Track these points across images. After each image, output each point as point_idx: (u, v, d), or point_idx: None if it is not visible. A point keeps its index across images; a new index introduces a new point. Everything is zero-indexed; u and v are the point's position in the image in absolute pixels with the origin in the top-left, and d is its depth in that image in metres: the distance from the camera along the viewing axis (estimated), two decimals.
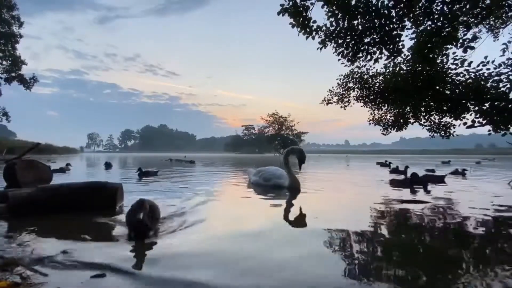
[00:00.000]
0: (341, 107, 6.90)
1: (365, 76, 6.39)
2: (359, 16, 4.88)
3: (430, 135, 6.37)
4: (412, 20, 4.97)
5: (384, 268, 1.70)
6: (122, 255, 1.83)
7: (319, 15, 5.02)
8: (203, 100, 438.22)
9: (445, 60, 5.53)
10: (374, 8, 4.79)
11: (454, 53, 5.33)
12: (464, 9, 4.82)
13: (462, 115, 5.56)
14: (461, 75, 5.34)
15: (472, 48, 5.07)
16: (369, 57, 5.35)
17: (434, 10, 4.87)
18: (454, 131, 6.06)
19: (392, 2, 4.80)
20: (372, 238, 2.31)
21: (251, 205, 3.87)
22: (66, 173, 9.17)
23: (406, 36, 5.19)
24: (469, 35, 5.13)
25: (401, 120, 6.49)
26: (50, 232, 2.34)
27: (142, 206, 2.18)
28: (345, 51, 5.33)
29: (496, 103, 4.96)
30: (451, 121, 5.97)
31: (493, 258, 1.92)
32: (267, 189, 5.16)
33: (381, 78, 6.26)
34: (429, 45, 4.99)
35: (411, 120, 6.43)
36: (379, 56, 5.34)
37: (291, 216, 3.19)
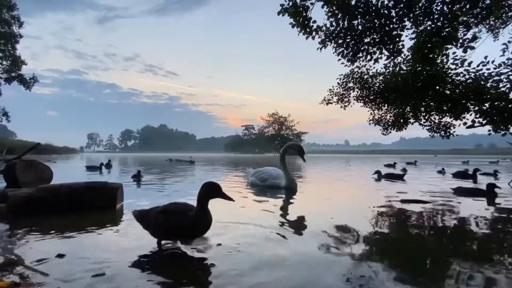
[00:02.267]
0: (341, 107, 6.90)
1: (365, 76, 6.39)
2: (359, 16, 4.88)
3: (430, 135, 6.38)
4: (412, 20, 4.98)
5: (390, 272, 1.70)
6: (122, 255, 1.83)
7: (319, 15, 5.03)
8: (203, 100, 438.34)
9: (445, 60, 5.53)
10: (374, 8, 4.80)
11: (454, 53, 5.34)
12: (464, 9, 4.82)
13: (462, 115, 5.56)
14: (461, 75, 5.34)
15: (472, 48, 5.07)
16: (369, 57, 5.36)
17: (434, 10, 4.88)
18: (454, 131, 6.07)
19: (392, 2, 4.80)
20: (372, 239, 2.31)
21: (247, 205, 3.87)
22: (102, 172, 9.58)
23: (406, 36, 5.21)
24: (469, 35, 5.13)
25: (401, 120, 6.49)
26: (50, 232, 2.34)
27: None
28: (345, 51, 5.34)
29: (496, 103, 4.96)
30: (451, 121, 5.98)
31: (493, 257, 1.92)
32: (265, 190, 5.17)
33: (381, 78, 6.26)
34: (429, 45, 5.00)
35: (411, 120, 6.44)
36: (379, 56, 5.35)
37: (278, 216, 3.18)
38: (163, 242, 2.00)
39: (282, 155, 5.49)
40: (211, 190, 1.85)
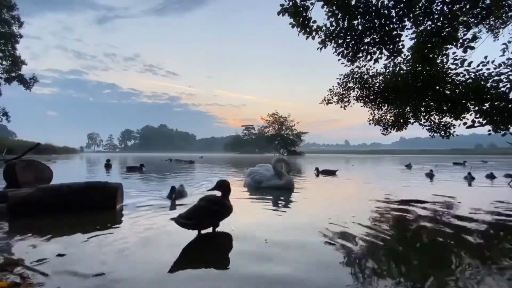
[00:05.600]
0: (341, 107, 6.89)
1: (365, 76, 6.38)
2: (359, 16, 4.87)
3: (430, 135, 6.36)
4: (412, 20, 4.97)
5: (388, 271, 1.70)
6: (122, 255, 1.83)
7: (319, 15, 5.02)
8: (203, 100, 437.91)
9: (445, 60, 5.52)
10: (374, 8, 4.79)
11: (454, 53, 5.32)
12: (464, 9, 4.81)
13: (462, 115, 5.55)
14: (461, 75, 5.33)
15: (472, 48, 5.06)
16: (369, 57, 5.34)
17: (434, 10, 4.87)
18: (454, 131, 6.06)
19: (392, 2, 4.79)
20: (372, 239, 2.31)
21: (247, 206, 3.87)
22: (142, 171, 9.73)
23: (406, 36, 5.19)
24: (469, 35, 5.12)
25: (401, 120, 6.48)
26: (50, 232, 2.34)
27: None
28: (345, 51, 5.33)
29: (496, 103, 4.95)
30: (451, 121, 5.96)
31: (492, 258, 1.92)
32: (262, 189, 5.17)
33: (381, 78, 6.25)
34: (429, 45, 4.99)
35: (411, 120, 6.42)
36: (379, 56, 5.33)
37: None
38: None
39: (275, 166, 5.57)
40: (229, 184, 2.53)
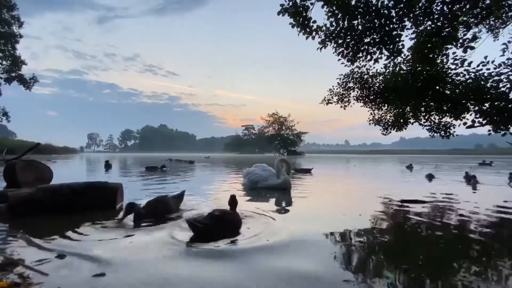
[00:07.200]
0: (341, 107, 6.89)
1: (365, 76, 6.39)
2: (359, 16, 4.87)
3: (430, 135, 6.37)
4: (412, 20, 4.97)
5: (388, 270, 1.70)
6: (122, 255, 1.83)
7: (319, 15, 5.01)
8: (203, 100, 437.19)
9: (445, 60, 5.53)
10: (374, 8, 4.79)
11: (454, 53, 5.32)
12: (464, 9, 4.81)
13: (462, 115, 5.56)
14: (461, 75, 5.33)
15: (472, 48, 5.06)
16: (369, 57, 5.34)
17: (434, 10, 4.87)
18: (454, 131, 6.06)
19: (392, 2, 4.79)
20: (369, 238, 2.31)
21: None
22: (163, 171, 9.94)
23: (406, 36, 5.19)
24: (469, 35, 5.12)
25: (401, 120, 6.48)
26: (50, 232, 2.34)
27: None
28: (345, 51, 5.32)
29: (496, 103, 4.95)
30: (451, 121, 5.97)
31: (492, 258, 1.92)
32: (260, 190, 5.17)
33: (381, 78, 6.26)
34: (429, 45, 4.99)
35: (411, 120, 6.43)
36: (379, 56, 5.33)
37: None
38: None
39: (278, 166, 5.53)
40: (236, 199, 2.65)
